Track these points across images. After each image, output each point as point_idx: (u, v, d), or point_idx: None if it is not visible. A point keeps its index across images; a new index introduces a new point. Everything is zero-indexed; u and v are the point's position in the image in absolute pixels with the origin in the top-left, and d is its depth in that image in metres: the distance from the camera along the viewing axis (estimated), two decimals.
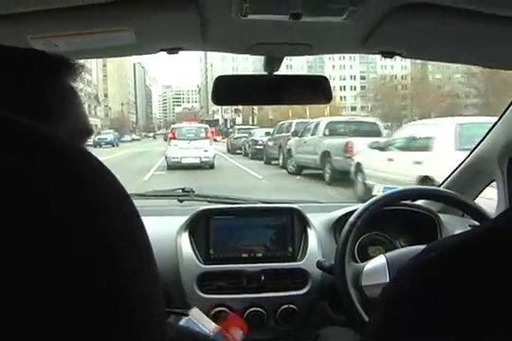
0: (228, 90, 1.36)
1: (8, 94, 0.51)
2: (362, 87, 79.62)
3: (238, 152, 18.83)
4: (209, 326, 1.28)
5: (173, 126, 16.57)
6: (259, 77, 1.40)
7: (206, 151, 14.06)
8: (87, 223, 0.28)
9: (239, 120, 37.81)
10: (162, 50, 1.20)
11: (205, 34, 1.10)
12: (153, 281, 0.32)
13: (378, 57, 1.30)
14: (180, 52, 1.20)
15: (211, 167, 13.85)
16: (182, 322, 1.26)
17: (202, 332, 1.22)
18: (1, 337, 0.25)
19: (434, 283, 0.45)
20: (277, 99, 1.44)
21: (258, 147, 16.20)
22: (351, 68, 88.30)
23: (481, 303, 0.41)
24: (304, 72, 72.69)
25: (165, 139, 21.61)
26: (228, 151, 20.02)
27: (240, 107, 34.61)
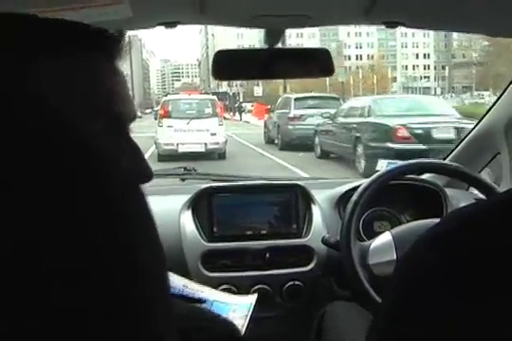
0: (229, 64, 1.40)
1: (62, 73, 0.53)
2: (380, 56, 78.82)
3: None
4: (178, 281, 1.36)
5: (165, 98, 12.54)
6: (259, 51, 1.45)
7: (213, 134, 10.98)
8: (88, 172, 0.30)
9: (259, 91, 33.86)
10: (160, 24, 1.23)
11: (203, 7, 1.13)
12: (155, 250, 0.34)
13: None
14: (179, 26, 1.29)
15: (222, 156, 10.86)
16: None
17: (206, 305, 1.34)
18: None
19: (449, 256, 0.45)
20: (278, 73, 1.48)
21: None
22: (368, 35, 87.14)
23: (497, 274, 0.42)
24: (317, 40, 71.85)
25: (156, 118, 15.08)
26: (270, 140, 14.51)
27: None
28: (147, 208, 0.34)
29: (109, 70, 0.58)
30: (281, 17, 1.25)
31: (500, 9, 1.13)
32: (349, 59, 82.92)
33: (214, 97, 13.31)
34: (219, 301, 1.33)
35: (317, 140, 11.50)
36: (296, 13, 1.24)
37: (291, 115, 12.92)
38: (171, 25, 1.24)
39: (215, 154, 10.82)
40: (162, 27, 1.26)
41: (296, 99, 13.65)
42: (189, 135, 10.87)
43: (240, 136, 16.27)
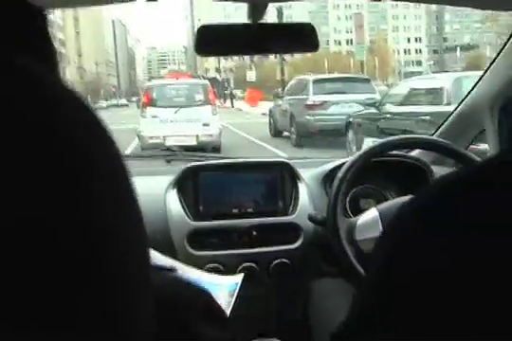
0: (212, 40, 1.41)
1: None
2: (371, 41, 78.71)
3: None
4: (165, 262, 1.37)
5: (148, 84, 11.42)
6: (243, 26, 1.43)
7: (206, 125, 9.72)
8: (64, 161, 0.28)
9: (252, 76, 30.90)
10: None
11: None
12: (136, 228, 0.33)
13: (389, 6, 1.39)
14: (165, 9, 1.30)
15: (216, 149, 9.46)
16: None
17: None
18: None
19: (426, 226, 0.46)
20: (262, 48, 1.48)
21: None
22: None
23: (482, 239, 0.43)
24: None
25: (139, 106, 13.34)
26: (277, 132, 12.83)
27: (256, 58, 29.80)
28: (128, 184, 0.33)
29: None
30: None
31: None
32: (339, 44, 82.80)
33: (206, 81, 11.48)
34: (207, 282, 1.36)
35: (350, 135, 9.01)
36: None
37: (310, 101, 10.78)
38: None
39: (209, 147, 9.19)
40: (143, 1, 1.26)
41: (315, 82, 11.20)
42: (177, 127, 9.53)
43: (237, 127, 14.53)
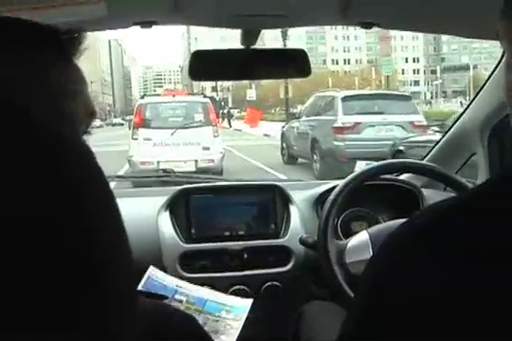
0: (205, 65, 1.46)
1: (18, 72, 0.54)
2: (369, 61, 79.33)
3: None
4: (170, 281, 1.40)
5: (140, 102, 9.47)
6: (236, 51, 1.48)
7: (206, 148, 8.69)
8: (58, 196, 0.31)
9: (252, 95, 29.96)
10: (136, 24, 1.27)
11: (178, 6, 1.17)
12: (124, 246, 0.36)
13: None
14: (161, 30, 1.34)
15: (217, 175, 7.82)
16: (142, 283, 1.37)
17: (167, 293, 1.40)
18: None
19: (425, 248, 0.46)
20: (255, 73, 1.53)
21: None
22: (356, 39, 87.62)
23: (473, 266, 0.43)
24: (303, 43, 72.15)
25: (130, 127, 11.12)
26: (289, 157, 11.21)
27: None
28: (114, 206, 0.36)
29: (60, 69, 0.60)
30: (257, 17, 1.31)
31: (471, 12, 1.18)
32: (336, 63, 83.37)
33: (207, 99, 10.07)
34: (213, 301, 1.38)
35: None
36: (272, 13, 1.29)
37: (339, 123, 8.99)
38: (146, 24, 1.29)
39: (210, 173, 7.34)
40: (138, 28, 1.31)
41: (344, 99, 9.30)
42: (173, 151, 8.47)
43: (241, 150, 12.97)
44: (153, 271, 1.43)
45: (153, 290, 1.37)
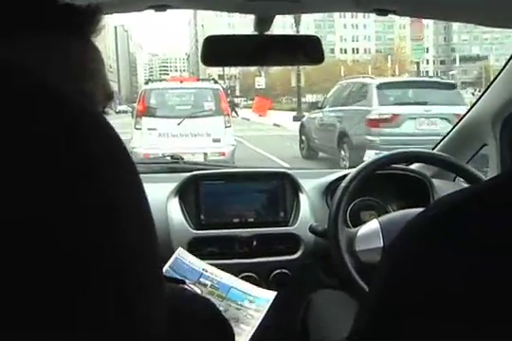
0: (218, 50, 1.45)
1: (38, 50, 0.55)
2: (378, 50, 78.95)
3: None
4: (198, 264, 1.42)
5: (145, 87, 8.70)
6: (249, 37, 1.49)
7: (217, 140, 7.95)
8: (86, 171, 0.31)
9: (261, 83, 27.38)
10: (150, 7, 1.27)
11: None
12: (149, 239, 0.35)
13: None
14: (168, 16, 1.35)
15: None
16: (170, 262, 1.39)
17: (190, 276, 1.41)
18: None
19: (441, 239, 0.47)
20: (267, 60, 1.53)
21: None
22: (365, 28, 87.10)
23: (486, 258, 0.44)
24: (312, 31, 71.85)
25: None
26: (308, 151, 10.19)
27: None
28: (140, 192, 0.35)
29: (79, 47, 0.60)
30: (270, 1, 1.30)
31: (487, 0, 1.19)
32: (345, 52, 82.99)
33: (218, 85, 9.05)
34: (237, 289, 1.40)
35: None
36: None
37: (373, 115, 7.88)
38: (160, 8, 1.29)
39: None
40: (152, 11, 1.31)
41: (380, 87, 8.11)
42: (180, 142, 7.63)
43: (252, 142, 12.06)
44: (181, 252, 1.45)
45: (179, 271, 1.39)
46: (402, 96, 8.28)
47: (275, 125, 19.74)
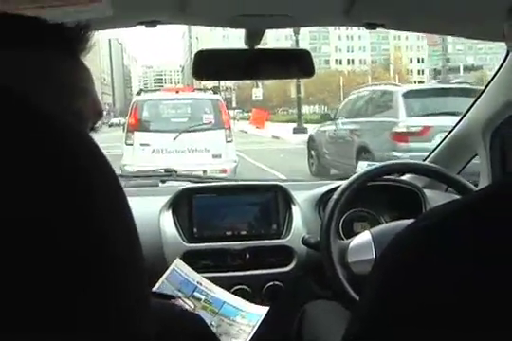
0: (209, 64, 1.48)
1: (26, 69, 0.56)
2: (373, 61, 79.29)
3: None
4: (193, 277, 1.44)
5: (137, 99, 7.91)
6: (240, 51, 1.51)
7: (217, 156, 7.33)
8: (62, 193, 0.31)
9: (258, 94, 25.15)
10: (140, 24, 1.30)
11: (183, 6, 1.20)
12: (135, 244, 0.36)
13: None
14: (162, 29, 1.37)
15: None
16: (166, 273, 1.41)
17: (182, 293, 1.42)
18: None
19: (432, 250, 0.47)
20: (259, 74, 1.55)
21: None
22: (360, 39, 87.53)
23: (478, 267, 0.44)
24: (307, 43, 72.19)
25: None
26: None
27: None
28: (124, 203, 0.36)
29: (68, 65, 0.61)
30: (261, 17, 1.33)
31: (476, 13, 1.21)
32: (340, 63, 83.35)
33: (217, 96, 8.33)
34: (230, 304, 1.42)
35: None
36: (276, 13, 1.32)
37: (401, 127, 6.93)
38: (151, 24, 1.31)
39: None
40: (143, 27, 1.33)
41: (407, 95, 7.13)
42: (176, 159, 6.90)
43: (253, 157, 11.37)
44: (178, 264, 1.47)
45: (174, 283, 1.41)
46: (430, 105, 7.09)
47: (274, 137, 19.56)
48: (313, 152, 9.60)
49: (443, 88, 7.72)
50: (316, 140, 9.52)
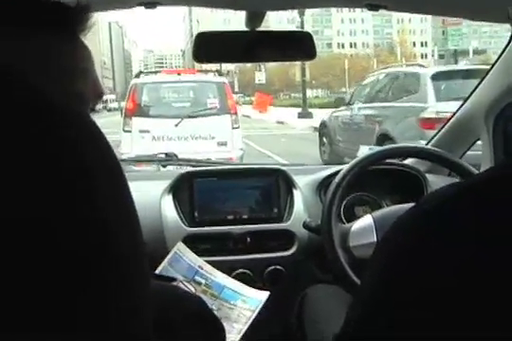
0: (210, 47, 1.47)
1: (26, 48, 0.55)
2: (376, 45, 78.84)
3: None
4: (195, 261, 1.45)
5: (135, 81, 7.22)
6: (241, 33, 1.51)
7: (222, 144, 6.86)
8: (77, 183, 0.31)
9: (261, 78, 24.19)
10: (140, 4, 1.28)
11: None
12: (137, 242, 0.36)
13: None
14: (162, 12, 1.35)
15: None
16: (168, 257, 1.42)
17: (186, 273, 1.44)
18: None
19: (431, 233, 0.47)
20: (259, 56, 1.55)
21: None
22: (362, 22, 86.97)
23: (480, 249, 0.44)
24: (309, 26, 71.74)
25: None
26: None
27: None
28: (125, 190, 0.36)
29: (68, 45, 0.61)
30: None
31: None
32: (343, 47, 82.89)
33: (223, 78, 7.69)
34: (230, 289, 1.43)
35: None
36: None
37: (430, 113, 6.10)
38: (151, 5, 1.30)
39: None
40: (142, 8, 1.32)
41: (435, 78, 6.45)
42: (178, 147, 5.80)
43: (259, 143, 10.76)
44: (180, 248, 1.48)
45: (176, 267, 1.41)
46: (462, 89, 5.75)
47: (278, 122, 19.36)
48: (325, 140, 9.00)
49: (473, 69, 6.72)
50: (328, 126, 8.89)
